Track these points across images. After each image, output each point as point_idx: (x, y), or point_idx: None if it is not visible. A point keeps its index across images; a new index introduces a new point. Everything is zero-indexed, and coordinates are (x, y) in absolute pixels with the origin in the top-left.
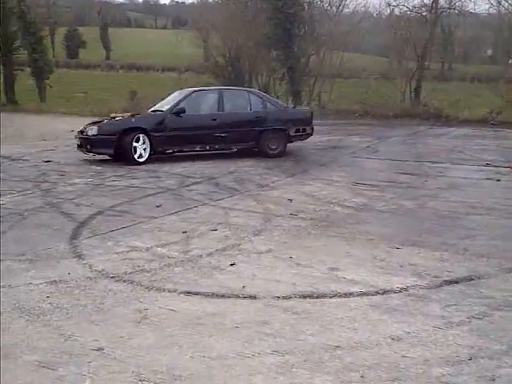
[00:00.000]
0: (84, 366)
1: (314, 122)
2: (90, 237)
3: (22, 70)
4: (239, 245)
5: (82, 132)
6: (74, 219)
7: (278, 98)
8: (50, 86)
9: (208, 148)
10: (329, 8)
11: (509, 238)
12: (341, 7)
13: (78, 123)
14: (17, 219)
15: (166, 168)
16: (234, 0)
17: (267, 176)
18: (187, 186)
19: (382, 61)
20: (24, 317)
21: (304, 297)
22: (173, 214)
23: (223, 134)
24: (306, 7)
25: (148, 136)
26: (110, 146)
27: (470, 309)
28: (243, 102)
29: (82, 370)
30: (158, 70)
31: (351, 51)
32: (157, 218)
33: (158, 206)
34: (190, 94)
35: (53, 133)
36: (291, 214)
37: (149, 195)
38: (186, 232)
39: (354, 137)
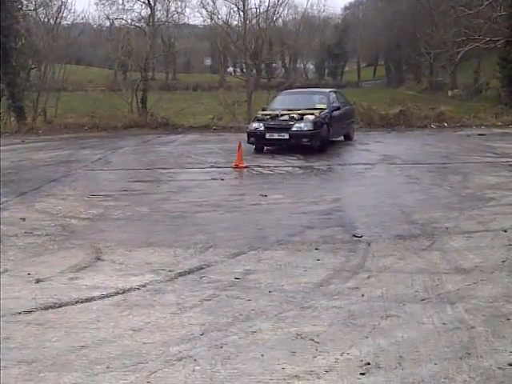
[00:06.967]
0: None
1: (42, 138)
2: None
3: None
4: None
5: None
6: None
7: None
8: None
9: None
10: (46, 20)
11: (232, 229)
12: (58, 19)
13: None
14: None
15: None
16: None
17: None
18: None
19: (108, 72)
20: None
21: (46, 308)
22: None
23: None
24: (21, 20)
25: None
26: None
27: (202, 293)
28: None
29: None
30: None
31: (74, 64)
32: None
33: None
34: (332, 92)
35: None
36: (25, 233)
37: None
38: None
39: (85, 150)
